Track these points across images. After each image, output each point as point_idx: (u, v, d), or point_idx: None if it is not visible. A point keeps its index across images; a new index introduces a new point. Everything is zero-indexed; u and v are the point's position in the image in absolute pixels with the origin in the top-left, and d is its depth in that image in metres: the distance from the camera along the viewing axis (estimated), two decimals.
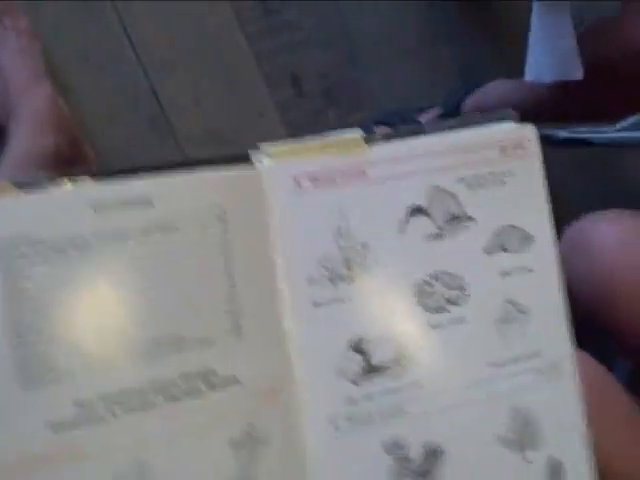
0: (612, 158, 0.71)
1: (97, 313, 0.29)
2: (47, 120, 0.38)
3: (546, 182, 0.40)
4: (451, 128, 0.39)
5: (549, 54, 0.62)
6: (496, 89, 0.79)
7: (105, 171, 0.28)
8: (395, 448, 0.36)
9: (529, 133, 0.40)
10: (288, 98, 0.63)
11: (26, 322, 0.28)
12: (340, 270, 0.36)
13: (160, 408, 0.30)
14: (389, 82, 0.65)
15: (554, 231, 0.40)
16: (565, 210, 0.48)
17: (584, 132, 0.72)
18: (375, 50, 0.66)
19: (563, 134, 0.72)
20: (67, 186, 0.29)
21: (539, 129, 0.40)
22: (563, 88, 0.63)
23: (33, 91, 0.40)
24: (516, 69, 0.66)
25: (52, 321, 0.28)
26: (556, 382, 0.39)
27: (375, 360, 0.36)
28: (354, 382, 0.36)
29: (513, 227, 0.39)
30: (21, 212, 0.28)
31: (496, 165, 0.39)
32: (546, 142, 0.41)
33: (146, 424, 0.30)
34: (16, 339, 0.28)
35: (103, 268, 0.29)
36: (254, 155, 0.34)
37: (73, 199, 0.29)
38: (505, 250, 0.39)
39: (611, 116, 0.69)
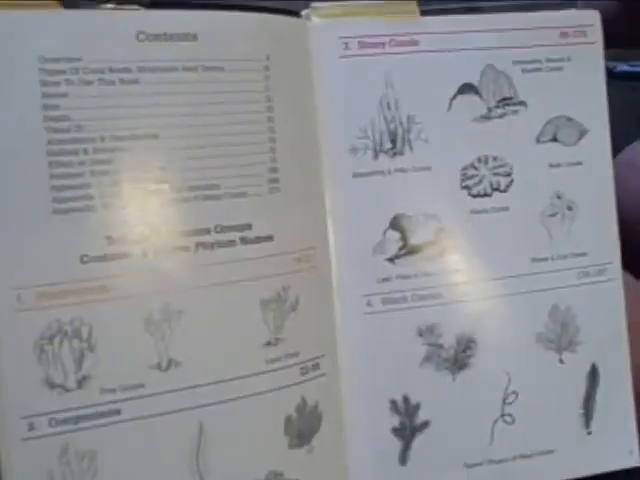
0: None
1: (132, 148, 0.29)
2: None
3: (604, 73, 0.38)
4: (512, 10, 0.37)
5: None
6: None
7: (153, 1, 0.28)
8: (427, 333, 0.35)
9: (592, 19, 0.38)
10: None
11: (61, 141, 0.27)
12: (383, 142, 0.35)
13: (192, 254, 0.30)
14: None
15: (609, 126, 0.38)
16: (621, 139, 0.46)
17: None
18: None
19: (622, 67, 0.69)
20: (114, 10, 0.28)
21: None
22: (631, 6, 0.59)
23: None
24: None
25: (87, 148, 0.28)
26: (600, 285, 0.38)
27: (413, 239, 0.35)
28: (390, 260, 0.35)
29: (567, 117, 0.38)
30: (63, 29, 0.27)
31: (555, 50, 0.37)
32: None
33: (177, 269, 0.30)
34: (49, 158, 0.27)
35: (142, 101, 0.28)
36: (304, 12, 0.33)
37: (119, 24, 0.28)
38: (556, 140, 0.37)
39: None
